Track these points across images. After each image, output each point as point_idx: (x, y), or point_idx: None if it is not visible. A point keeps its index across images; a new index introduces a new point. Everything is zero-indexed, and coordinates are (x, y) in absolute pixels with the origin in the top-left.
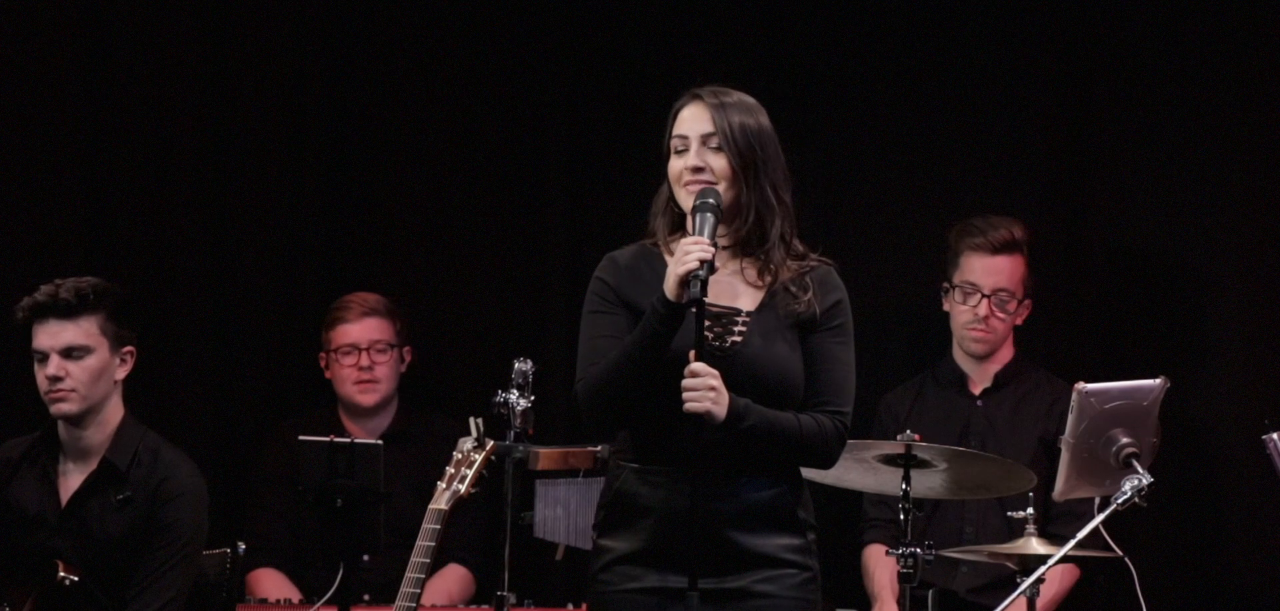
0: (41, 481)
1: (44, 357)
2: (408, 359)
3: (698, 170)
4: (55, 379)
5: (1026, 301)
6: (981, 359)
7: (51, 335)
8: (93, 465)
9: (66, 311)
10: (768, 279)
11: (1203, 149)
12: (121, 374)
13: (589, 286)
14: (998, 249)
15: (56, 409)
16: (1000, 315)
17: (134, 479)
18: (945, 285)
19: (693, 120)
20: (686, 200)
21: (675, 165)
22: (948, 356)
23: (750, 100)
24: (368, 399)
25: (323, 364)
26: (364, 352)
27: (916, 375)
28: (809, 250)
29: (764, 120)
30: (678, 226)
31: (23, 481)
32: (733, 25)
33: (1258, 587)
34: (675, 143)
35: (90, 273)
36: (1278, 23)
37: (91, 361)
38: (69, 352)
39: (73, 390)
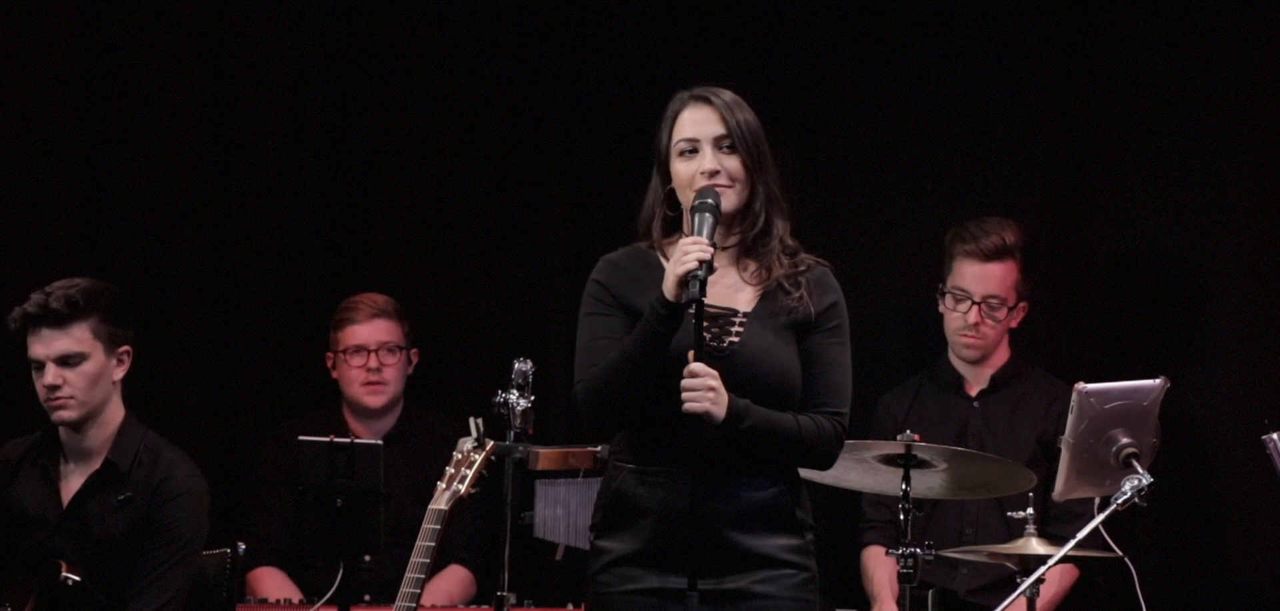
0: (42, 482)
1: (40, 366)
2: (414, 360)
3: (715, 173)
4: (53, 388)
5: (1021, 305)
6: (974, 363)
7: (45, 344)
8: (93, 466)
9: (58, 320)
10: (764, 278)
11: (1203, 149)
12: (119, 374)
13: (585, 289)
14: (989, 256)
15: (56, 416)
16: (990, 321)
17: (134, 479)
18: (940, 287)
19: (701, 122)
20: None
21: (685, 169)
22: (944, 358)
23: (739, 97)
24: (376, 400)
25: (329, 364)
26: (372, 354)
27: (913, 376)
28: (799, 247)
29: (755, 116)
30: (674, 228)
31: (23, 482)
32: (733, 25)
33: (1258, 587)
34: (682, 146)
35: (90, 273)
36: (1278, 23)
37: (88, 367)
38: (64, 361)
39: (71, 398)
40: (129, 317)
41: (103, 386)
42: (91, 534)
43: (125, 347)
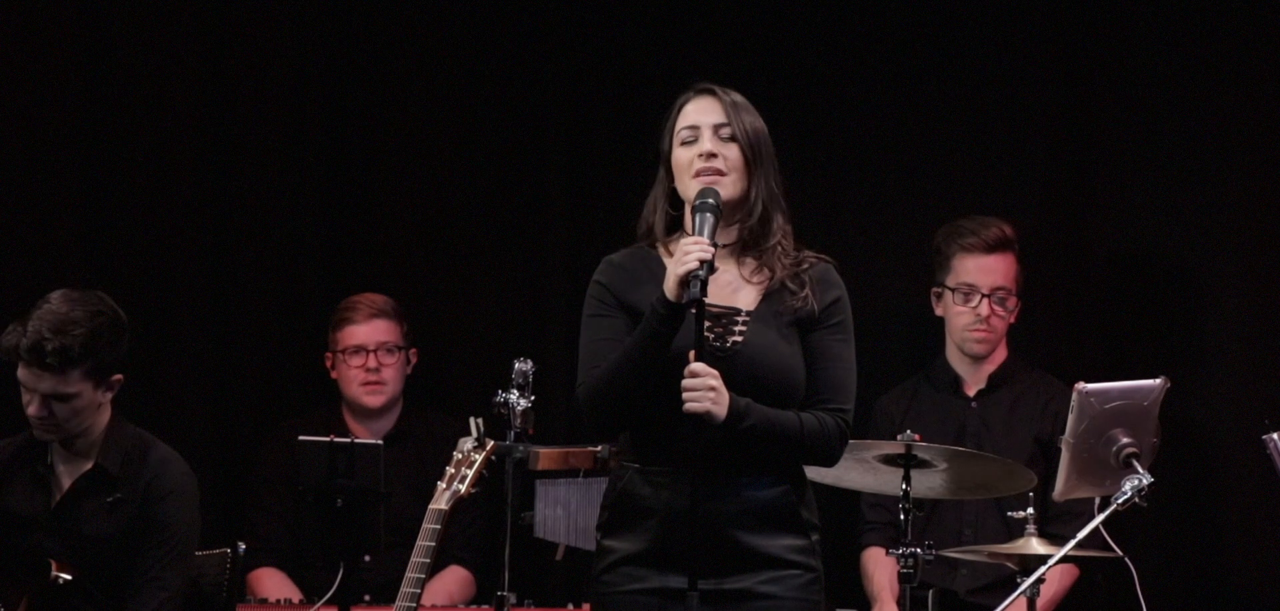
0: (33, 482)
1: (29, 390)
2: (413, 361)
3: (711, 156)
4: (40, 417)
5: (1018, 300)
6: (981, 359)
7: (35, 379)
8: (84, 466)
9: (51, 368)
10: (767, 277)
11: (1203, 149)
12: (108, 398)
13: (588, 291)
14: (992, 247)
15: (42, 437)
16: (1000, 313)
17: (125, 478)
18: (936, 289)
19: (703, 111)
20: (695, 189)
21: (685, 154)
22: (941, 358)
23: (747, 100)
24: (375, 400)
25: (328, 364)
26: (371, 354)
27: (910, 377)
28: (801, 247)
29: (762, 122)
30: (675, 227)
31: (14, 482)
32: (733, 25)
33: (1258, 587)
34: (684, 134)
35: (89, 274)
36: (1278, 23)
37: (77, 403)
38: (54, 397)
39: (56, 427)
40: (124, 346)
41: (90, 414)
42: (83, 534)
43: (117, 377)
